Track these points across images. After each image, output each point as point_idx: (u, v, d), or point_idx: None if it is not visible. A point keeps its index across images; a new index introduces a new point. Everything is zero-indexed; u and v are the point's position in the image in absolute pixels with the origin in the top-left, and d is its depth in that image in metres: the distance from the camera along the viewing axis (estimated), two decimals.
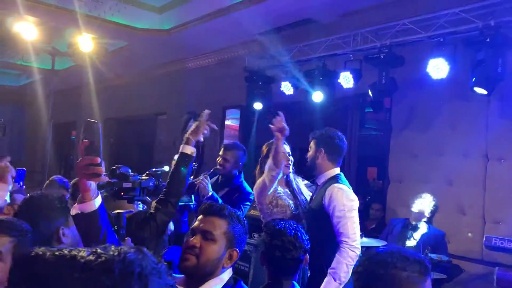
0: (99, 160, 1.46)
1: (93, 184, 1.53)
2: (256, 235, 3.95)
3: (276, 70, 5.84)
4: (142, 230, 2.01)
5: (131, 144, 10.20)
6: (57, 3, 5.78)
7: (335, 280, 2.63)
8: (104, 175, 1.49)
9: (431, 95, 4.77)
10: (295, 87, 5.57)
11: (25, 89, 11.54)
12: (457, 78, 4.21)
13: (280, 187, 3.14)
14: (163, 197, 2.10)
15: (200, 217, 1.75)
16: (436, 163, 4.78)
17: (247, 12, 5.45)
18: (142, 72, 8.98)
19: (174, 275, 1.67)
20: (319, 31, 5.45)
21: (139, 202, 2.29)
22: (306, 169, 3.14)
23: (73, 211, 1.56)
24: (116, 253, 0.68)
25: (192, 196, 3.63)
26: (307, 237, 2.24)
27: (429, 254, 3.63)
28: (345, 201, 2.76)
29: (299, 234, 2.19)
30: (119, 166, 2.08)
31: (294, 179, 3.26)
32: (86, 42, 6.75)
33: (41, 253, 0.67)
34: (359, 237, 2.76)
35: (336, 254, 2.68)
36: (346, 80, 4.91)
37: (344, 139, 3.03)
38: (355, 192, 3.00)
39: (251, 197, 3.50)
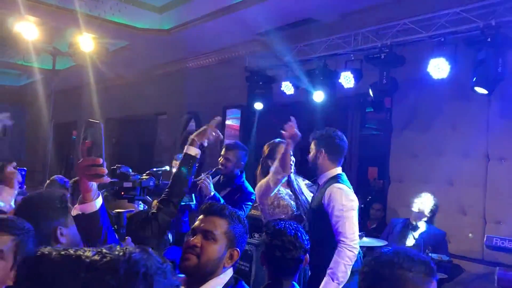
0: (101, 160, 1.46)
1: (94, 185, 1.53)
2: (256, 235, 3.95)
3: (276, 70, 5.84)
4: (143, 229, 2.01)
5: (131, 144, 10.21)
6: (57, 3, 5.78)
7: (332, 280, 2.63)
8: (106, 176, 1.49)
9: (432, 95, 4.76)
10: (296, 87, 5.57)
11: (26, 89, 11.54)
12: (458, 78, 4.21)
13: (281, 187, 3.14)
14: (166, 197, 2.10)
15: (201, 217, 1.75)
16: (437, 163, 4.78)
17: (247, 12, 5.45)
18: (143, 72, 8.98)
19: None
20: (320, 30, 5.45)
21: (140, 202, 2.29)
22: (306, 169, 3.14)
23: (74, 212, 1.56)
24: (121, 253, 0.68)
25: (193, 195, 3.63)
26: (307, 237, 2.24)
27: (430, 254, 3.63)
28: (344, 201, 2.76)
29: (299, 234, 2.19)
30: (119, 165, 2.09)
31: (295, 179, 3.27)
32: (86, 42, 6.75)
33: (46, 252, 0.67)
34: (358, 237, 2.75)
35: (334, 254, 2.68)
36: (346, 80, 4.91)
37: (345, 138, 3.02)
38: (356, 192, 3.01)
39: (253, 197, 3.50)
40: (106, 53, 7.81)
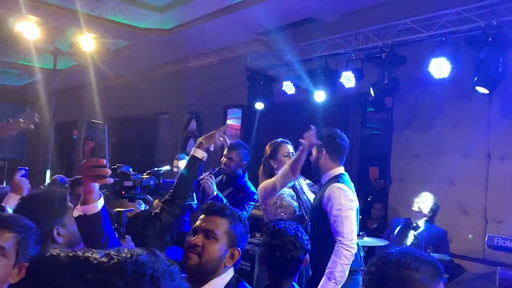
0: (104, 161, 1.46)
1: (96, 186, 1.53)
2: (258, 235, 3.96)
3: (277, 70, 5.84)
4: (146, 229, 2.02)
5: (132, 143, 10.21)
6: (59, 2, 5.79)
7: (330, 279, 2.64)
8: (109, 177, 1.49)
9: (433, 94, 4.76)
10: (297, 86, 5.57)
11: (27, 88, 11.55)
12: (459, 78, 4.20)
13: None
14: (170, 198, 2.12)
15: (202, 216, 1.76)
16: (438, 163, 4.78)
17: (248, 11, 5.45)
18: (144, 72, 8.99)
19: None
20: (321, 30, 5.45)
21: (141, 202, 2.29)
22: (307, 169, 3.14)
23: (76, 213, 1.56)
24: (128, 255, 0.69)
25: (194, 195, 3.63)
26: (307, 237, 2.23)
27: (431, 254, 3.63)
28: (343, 201, 2.76)
29: (299, 234, 2.19)
30: (120, 165, 2.09)
31: (297, 179, 3.27)
32: (87, 42, 6.75)
33: (55, 254, 0.68)
34: (356, 237, 2.75)
35: (332, 254, 2.68)
36: (347, 79, 4.91)
37: (345, 137, 3.03)
38: (357, 191, 3.01)
39: (255, 197, 3.50)
40: (107, 52, 7.81)
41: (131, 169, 2.12)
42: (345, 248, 2.67)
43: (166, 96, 8.75)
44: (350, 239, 2.70)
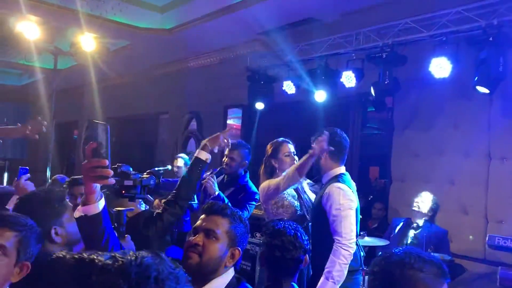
0: (107, 162, 1.45)
1: (98, 186, 1.53)
2: (258, 235, 3.96)
3: (278, 70, 5.84)
4: (147, 228, 2.03)
5: (132, 143, 10.21)
6: (59, 2, 5.79)
7: (328, 279, 2.64)
8: (111, 178, 1.49)
9: (434, 94, 4.76)
10: (297, 86, 5.57)
11: (28, 88, 11.54)
12: (460, 77, 4.20)
13: None
14: (172, 199, 2.12)
15: (202, 216, 1.76)
16: (439, 162, 4.77)
17: (248, 11, 5.45)
18: (144, 72, 8.99)
19: None
20: (321, 30, 5.44)
21: (141, 201, 2.30)
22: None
23: (77, 214, 1.55)
24: (133, 258, 0.69)
25: (195, 195, 3.63)
26: (306, 237, 2.23)
27: (432, 254, 3.62)
28: (342, 200, 2.76)
29: (299, 234, 2.19)
30: (120, 164, 2.09)
31: (301, 182, 3.27)
32: (88, 42, 6.75)
33: (61, 256, 0.69)
34: (354, 236, 2.75)
35: (331, 254, 2.68)
36: (348, 79, 4.90)
37: (345, 136, 3.03)
38: (357, 191, 3.01)
39: (257, 197, 3.50)
40: (107, 52, 7.82)
41: (131, 169, 2.13)
42: (343, 247, 2.67)
43: (166, 96, 8.75)
44: (349, 238, 2.70)
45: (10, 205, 2.45)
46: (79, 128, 11.46)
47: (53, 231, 1.86)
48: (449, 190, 4.64)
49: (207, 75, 7.76)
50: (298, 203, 3.13)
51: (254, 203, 3.56)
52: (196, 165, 2.18)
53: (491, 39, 3.81)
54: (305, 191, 3.25)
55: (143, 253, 0.72)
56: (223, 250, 1.68)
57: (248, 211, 3.47)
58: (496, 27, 3.82)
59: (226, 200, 3.26)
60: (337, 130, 3.05)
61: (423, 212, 4.13)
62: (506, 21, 3.82)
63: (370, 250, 4.32)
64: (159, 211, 2.10)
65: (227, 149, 3.62)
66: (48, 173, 7.40)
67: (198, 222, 1.75)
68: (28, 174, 2.74)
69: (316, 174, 3.13)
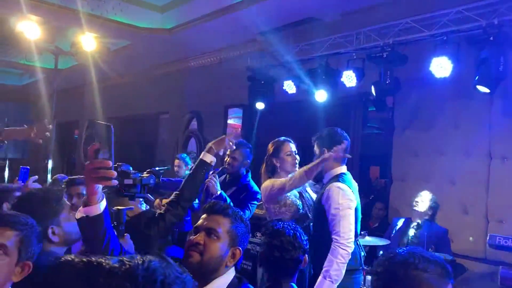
0: (110, 163, 1.45)
1: (100, 187, 1.52)
2: (259, 234, 3.96)
3: (278, 69, 5.83)
4: (148, 228, 2.03)
5: (133, 143, 10.21)
6: (60, 2, 5.79)
7: (325, 278, 2.65)
8: (114, 179, 1.48)
9: (434, 93, 4.76)
10: (298, 86, 5.57)
11: (28, 88, 11.56)
12: (460, 77, 4.20)
13: None
14: (175, 200, 2.13)
15: (204, 215, 1.77)
16: (439, 162, 4.77)
17: (249, 11, 5.45)
18: (145, 71, 8.99)
19: None
20: (322, 29, 5.44)
21: (142, 201, 2.29)
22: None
23: (78, 215, 1.55)
24: (140, 261, 0.70)
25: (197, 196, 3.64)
26: (306, 237, 2.23)
27: (434, 253, 3.62)
28: (341, 200, 2.77)
29: (298, 235, 2.18)
30: (120, 164, 2.09)
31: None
32: (88, 41, 6.76)
33: (69, 259, 0.70)
34: (353, 236, 2.75)
35: (329, 253, 2.69)
36: (348, 79, 4.90)
37: (346, 135, 3.04)
38: (358, 191, 3.01)
39: (259, 196, 3.51)
40: (108, 52, 7.82)
41: (131, 168, 2.13)
42: (341, 247, 2.68)
43: (166, 95, 8.75)
44: (347, 238, 2.70)
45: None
46: (80, 128, 11.47)
47: (50, 231, 1.86)
48: (449, 189, 4.64)
49: (208, 74, 7.76)
50: (300, 202, 3.13)
51: (256, 202, 3.56)
52: (201, 167, 2.19)
53: (491, 38, 3.81)
54: (306, 190, 3.25)
55: (150, 257, 0.72)
56: (224, 249, 1.68)
57: (250, 210, 3.47)
58: (496, 26, 3.82)
59: (228, 200, 3.26)
60: (338, 129, 3.06)
61: (421, 211, 4.13)
62: (507, 20, 3.82)
63: (371, 250, 4.33)
64: (162, 211, 2.10)
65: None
66: (49, 173, 7.41)
67: (200, 221, 1.75)
68: (36, 176, 2.76)
69: (318, 174, 3.13)
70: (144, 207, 2.34)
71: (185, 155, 5.74)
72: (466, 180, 4.59)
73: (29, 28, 6.30)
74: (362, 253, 3.08)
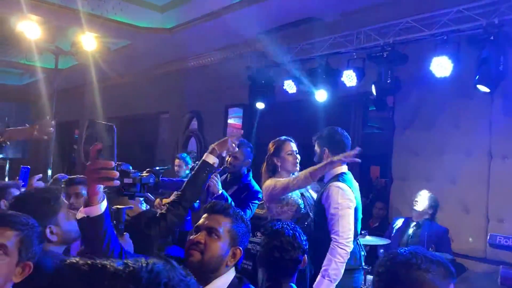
0: (112, 164, 1.44)
1: (101, 188, 1.52)
2: (259, 234, 3.96)
3: (278, 69, 5.84)
4: (149, 228, 2.03)
5: (133, 143, 10.22)
6: (60, 2, 5.79)
7: (324, 277, 2.66)
8: (116, 179, 1.48)
9: (435, 93, 4.76)
10: (298, 85, 5.57)
11: (29, 88, 11.56)
12: (461, 76, 4.20)
13: None
14: (177, 200, 2.13)
15: (205, 215, 1.77)
16: (440, 161, 4.77)
17: (249, 10, 5.45)
18: (145, 71, 8.99)
19: None
20: (322, 29, 5.44)
21: (142, 201, 2.29)
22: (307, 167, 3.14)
23: (79, 215, 1.54)
24: (144, 264, 0.71)
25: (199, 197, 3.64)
26: (305, 237, 2.23)
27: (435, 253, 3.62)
28: (340, 199, 2.77)
29: (297, 235, 2.18)
30: (120, 163, 2.09)
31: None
32: (89, 41, 6.76)
33: (74, 261, 0.70)
34: (352, 235, 2.76)
35: (328, 252, 2.69)
36: (349, 78, 4.90)
37: (346, 134, 3.05)
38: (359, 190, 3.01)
39: (260, 196, 3.51)
40: (108, 52, 7.82)
41: (130, 167, 2.13)
42: (340, 246, 2.69)
43: (167, 95, 8.75)
44: (346, 237, 2.71)
45: None
46: (80, 127, 11.47)
47: (48, 230, 1.86)
48: (450, 189, 4.64)
49: (208, 74, 7.76)
50: (302, 201, 3.13)
51: (257, 201, 3.56)
52: (203, 168, 2.19)
53: (492, 38, 3.81)
54: (307, 189, 3.25)
55: (155, 259, 0.73)
56: (225, 249, 1.69)
57: (251, 210, 3.47)
58: (497, 26, 3.82)
59: (230, 199, 3.26)
60: (338, 128, 3.07)
61: (419, 210, 4.14)
62: (507, 20, 3.82)
63: (371, 249, 4.33)
64: (163, 211, 2.10)
65: None
66: (49, 173, 7.42)
67: (201, 221, 1.76)
68: (40, 175, 2.76)
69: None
70: (144, 206, 2.35)
71: (186, 154, 5.74)
72: (466, 179, 4.58)
73: (30, 28, 6.30)
74: (363, 253, 3.08)
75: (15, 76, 11.73)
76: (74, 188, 2.72)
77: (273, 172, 3.19)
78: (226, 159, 3.66)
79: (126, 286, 0.67)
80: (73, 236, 1.99)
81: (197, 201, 3.64)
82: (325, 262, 2.69)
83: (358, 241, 3.04)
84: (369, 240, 3.90)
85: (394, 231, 4.34)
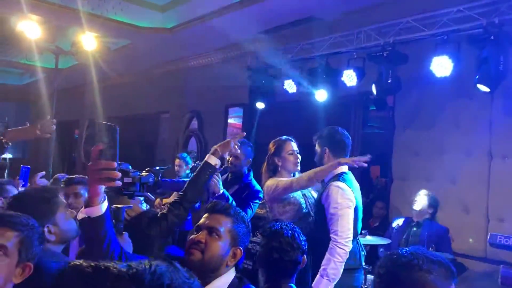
0: (115, 164, 1.44)
1: (102, 188, 1.52)
2: (259, 234, 3.96)
3: (279, 68, 5.83)
4: (149, 228, 2.03)
5: (133, 142, 10.22)
6: (60, 2, 5.79)
7: (322, 276, 2.66)
8: (118, 180, 1.48)
9: (435, 93, 4.75)
10: (298, 85, 5.57)
11: (29, 87, 11.57)
12: (461, 76, 4.20)
13: None
14: (178, 200, 2.14)
15: (205, 214, 1.78)
16: (440, 161, 4.77)
17: (249, 10, 5.45)
18: (145, 71, 8.99)
19: None
20: (322, 29, 5.43)
21: (142, 201, 2.29)
22: (309, 167, 3.14)
23: (80, 216, 1.54)
24: (147, 266, 0.71)
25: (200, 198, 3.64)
26: (304, 238, 2.22)
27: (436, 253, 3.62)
28: (340, 199, 2.77)
29: (296, 235, 2.17)
30: (120, 162, 2.09)
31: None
32: (89, 41, 6.76)
33: (78, 264, 0.71)
34: (351, 235, 2.76)
35: (327, 252, 2.70)
36: (349, 78, 4.90)
37: (347, 133, 3.05)
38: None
39: (260, 195, 3.51)
40: (108, 52, 7.82)
41: (130, 167, 2.13)
42: (339, 246, 2.69)
43: (167, 95, 8.75)
44: (345, 237, 2.71)
45: None
46: (80, 127, 11.47)
47: (46, 230, 1.86)
48: (450, 189, 4.64)
49: (208, 74, 7.75)
50: (304, 201, 3.13)
51: (258, 201, 3.56)
52: (205, 170, 2.19)
53: (492, 37, 3.81)
54: (308, 189, 3.25)
55: (158, 261, 0.73)
56: (225, 248, 1.69)
57: (252, 209, 3.47)
58: (497, 25, 3.82)
59: (231, 199, 3.26)
60: (338, 128, 3.07)
61: (417, 209, 4.14)
62: (507, 19, 3.81)
63: (372, 249, 4.33)
64: (164, 211, 2.10)
65: None
66: (50, 172, 7.41)
67: (202, 220, 1.76)
68: (43, 172, 2.76)
69: None
70: (144, 206, 2.35)
71: (186, 154, 5.74)
72: (466, 179, 4.58)
73: (30, 28, 6.30)
74: (363, 253, 3.08)
75: (15, 76, 11.74)
76: (73, 187, 2.72)
77: (274, 172, 3.19)
78: (227, 158, 3.66)
79: (129, 287, 0.67)
80: (71, 235, 1.99)
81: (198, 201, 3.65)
82: (324, 262, 2.69)
83: (358, 240, 3.04)
84: (370, 239, 3.90)
85: (394, 231, 4.34)
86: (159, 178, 2.25)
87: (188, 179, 2.30)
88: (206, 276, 1.65)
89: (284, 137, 3.30)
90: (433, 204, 4.17)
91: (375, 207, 5.69)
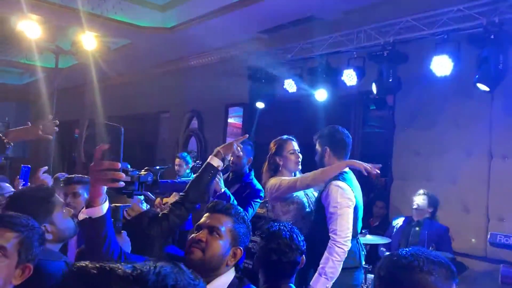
0: (119, 165, 1.44)
1: (104, 189, 1.52)
2: (257, 234, 3.96)
3: (279, 68, 5.83)
4: (150, 228, 2.03)
5: (133, 142, 10.22)
6: (60, 1, 5.78)
7: (320, 275, 2.67)
8: (121, 181, 1.47)
9: (435, 92, 4.75)
10: (298, 84, 5.57)
11: (29, 87, 11.56)
12: (461, 75, 4.20)
13: None
14: (180, 201, 2.14)
15: (206, 214, 1.78)
16: (440, 161, 4.77)
17: (249, 9, 5.44)
18: (145, 70, 8.99)
19: None
20: (322, 28, 5.43)
21: (143, 201, 2.30)
22: (310, 166, 3.14)
23: (81, 216, 1.54)
24: (152, 267, 0.71)
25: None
26: (302, 238, 2.22)
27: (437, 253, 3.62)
28: (339, 198, 2.77)
29: (295, 236, 2.16)
30: None
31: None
32: (89, 41, 6.76)
33: (83, 265, 0.71)
34: (350, 235, 2.76)
35: (325, 250, 2.70)
36: (349, 77, 4.90)
37: (347, 132, 3.05)
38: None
39: (261, 194, 3.51)
40: (108, 51, 7.82)
41: (129, 166, 2.13)
42: (337, 245, 2.69)
43: (167, 94, 8.75)
44: (344, 236, 2.71)
45: None
46: (80, 127, 11.47)
47: (43, 229, 1.86)
48: (450, 188, 4.64)
49: (208, 73, 7.75)
50: (306, 200, 3.13)
51: (259, 200, 3.56)
52: (207, 171, 2.19)
53: (492, 37, 3.81)
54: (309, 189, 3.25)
55: (163, 263, 0.73)
56: (226, 248, 1.69)
57: (253, 208, 3.47)
58: (497, 25, 3.82)
59: (232, 198, 3.26)
60: (339, 127, 3.07)
61: (423, 210, 4.14)
62: (507, 19, 3.81)
63: (372, 248, 4.33)
64: (165, 211, 2.11)
65: None
66: (50, 172, 7.41)
67: (202, 219, 1.76)
68: (46, 167, 2.76)
69: None
70: (145, 206, 2.35)
71: (186, 154, 5.74)
72: (466, 178, 4.59)
73: (30, 27, 6.30)
74: (363, 252, 3.08)
75: (15, 76, 11.74)
76: (72, 187, 2.72)
77: (275, 171, 3.18)
78: (229, 157, 3.66)
79: None
80: (69, 233, 1.99)
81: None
82: (322, 260, 2.70)
83: (358, 240, 3.04)
84: (370, 239, 3.90)
85: (394, 230, 4.34)
86: (158, 178, 2.25)
87: (190, 179, 2.30)
88: (207, 275, 1.65)
89: (285, 136, 3.29)
90: (433, 203, 4.18)
91: (375, 207, 5.69)
